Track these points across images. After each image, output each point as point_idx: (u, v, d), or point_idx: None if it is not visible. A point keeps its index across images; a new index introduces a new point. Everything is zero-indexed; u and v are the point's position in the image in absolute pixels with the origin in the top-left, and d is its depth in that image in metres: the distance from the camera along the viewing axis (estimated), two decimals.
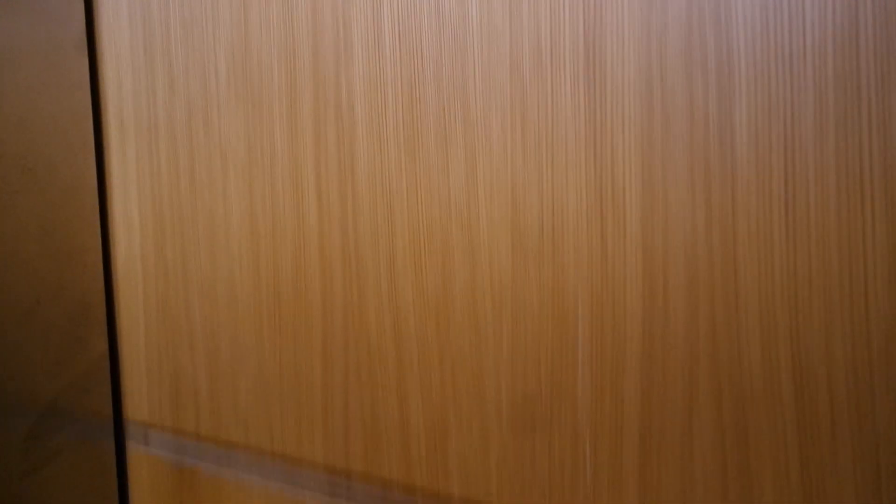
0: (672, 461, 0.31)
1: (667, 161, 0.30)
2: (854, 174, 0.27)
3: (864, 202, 0.27)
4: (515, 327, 0.35)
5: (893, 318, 0.26)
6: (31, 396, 0.46)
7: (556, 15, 0.33)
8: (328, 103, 0.41)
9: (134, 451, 0.53)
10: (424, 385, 0.38)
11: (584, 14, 0.32)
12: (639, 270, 0.31)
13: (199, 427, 0.49)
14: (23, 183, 0.46)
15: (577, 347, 0.33)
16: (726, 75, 0.29)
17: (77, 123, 0.50)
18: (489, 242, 0.35)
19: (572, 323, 0.33)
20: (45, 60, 0.48)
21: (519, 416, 0.35)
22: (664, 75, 0.30)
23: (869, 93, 0.26)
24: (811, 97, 0.27)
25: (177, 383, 0.50)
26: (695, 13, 0.29)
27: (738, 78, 0.29)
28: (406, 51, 0.38)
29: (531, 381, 0.34)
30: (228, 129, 0.46)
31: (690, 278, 0.30)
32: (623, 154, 0.31)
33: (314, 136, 0.42)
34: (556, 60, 0.33)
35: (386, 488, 0.41)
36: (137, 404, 0.52)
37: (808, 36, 0.27)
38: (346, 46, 0.40)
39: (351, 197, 0.40)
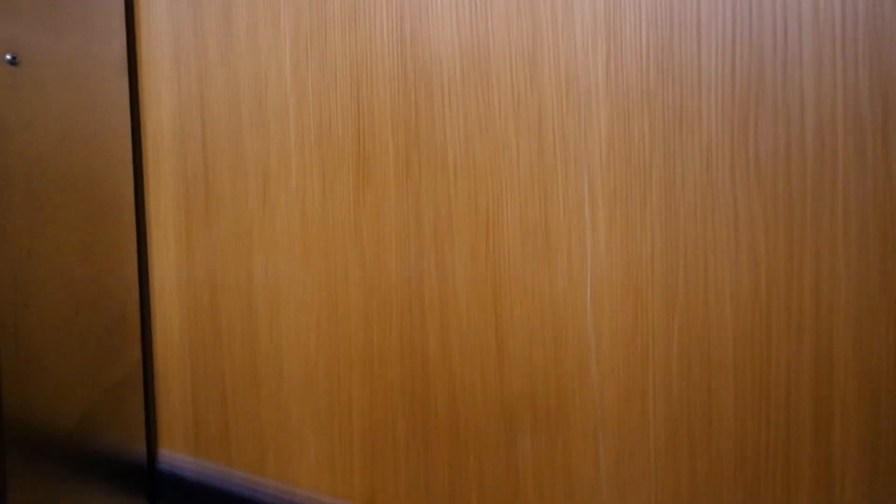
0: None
1: None
2: None
3: None
4: None
5: None
6: (69, 403, 0.47)
7: None
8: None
9: (165, 457, 0.54)
10: None
11: None
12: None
13: (229, 432, 0.50)
14: (65, 197, 0.48)
15: None
16: None
17: (117, 140, 0.52)
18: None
19: None
20: (86, 80, 0.50)
21: None
22: None
23: None
24: None
25: (208, 391, 0.51)
26: None
27: None
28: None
29: None
30: (259, 149, 0.47)
31: None
32: None
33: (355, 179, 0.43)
34: None
35: None
36: (170, 412, 0.54)
37: None
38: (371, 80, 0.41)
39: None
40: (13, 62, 0.44)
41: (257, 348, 0.49)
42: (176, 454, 0.53)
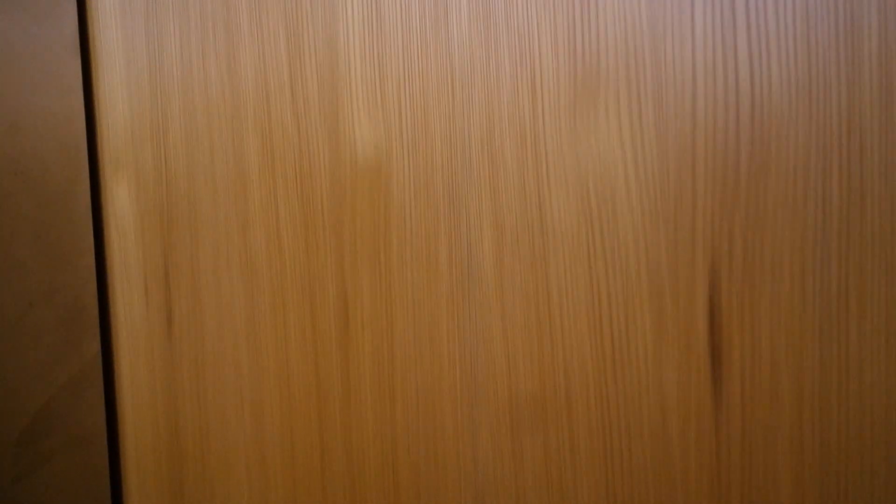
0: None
1: None
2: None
3: None
4: None
5: None
6: (23, 400, 0.45)
7: None
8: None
9: (127, 454, 0.52)
10: None
11: None
12: None
13: (195, 427, 0.49)
14: (15, 185, 0.46)
15: None
16: None
17: (70, 125, 0.50)
18: None
19: None
20: (37, 62, 0.48)
21: None
22: None
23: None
24: None
25: (172, 384, 0.50)
26: None
27: None
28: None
29: None
30: (221, 131, 0.46)
31: None
32: None
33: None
34: None
35: None
36: (131, 407, 0.52)
37: None
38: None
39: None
40: None
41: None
42: (142, 452, 0.52)
